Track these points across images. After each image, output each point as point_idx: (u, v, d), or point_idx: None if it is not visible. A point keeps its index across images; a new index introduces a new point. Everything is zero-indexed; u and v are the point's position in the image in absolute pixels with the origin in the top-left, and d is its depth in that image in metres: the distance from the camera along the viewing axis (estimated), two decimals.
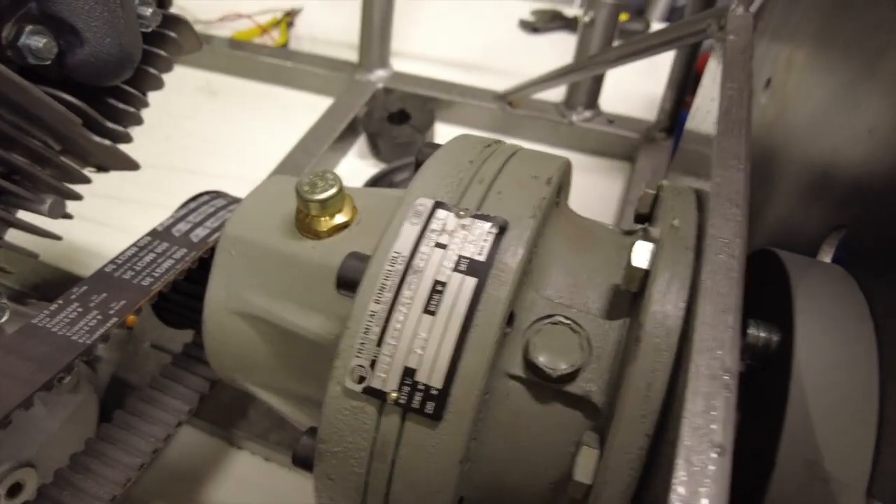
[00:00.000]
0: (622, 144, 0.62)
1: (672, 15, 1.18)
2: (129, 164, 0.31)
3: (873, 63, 0.28)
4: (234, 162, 0.63)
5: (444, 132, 0.66)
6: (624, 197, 0.59)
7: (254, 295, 0.27)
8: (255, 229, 0.28)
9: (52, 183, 0.28)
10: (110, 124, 0.29)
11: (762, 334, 0.23)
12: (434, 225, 0.21)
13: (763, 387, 0.23)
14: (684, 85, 0.58)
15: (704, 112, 0.31)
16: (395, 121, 0.63)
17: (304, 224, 0.26)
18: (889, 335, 0.21)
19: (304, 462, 0.23)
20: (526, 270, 0.21)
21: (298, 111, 0.67)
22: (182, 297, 0.30)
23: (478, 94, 0.66)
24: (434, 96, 0.66)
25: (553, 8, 0.83)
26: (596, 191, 0.61)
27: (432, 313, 0.20)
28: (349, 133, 0.64)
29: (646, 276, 0.21)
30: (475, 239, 0.21)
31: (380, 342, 0.20)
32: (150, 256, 0.29)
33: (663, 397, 0.19)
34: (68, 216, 0.30)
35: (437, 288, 0.20)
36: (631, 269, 0.21)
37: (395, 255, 0.21)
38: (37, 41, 0.24)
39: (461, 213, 0.22)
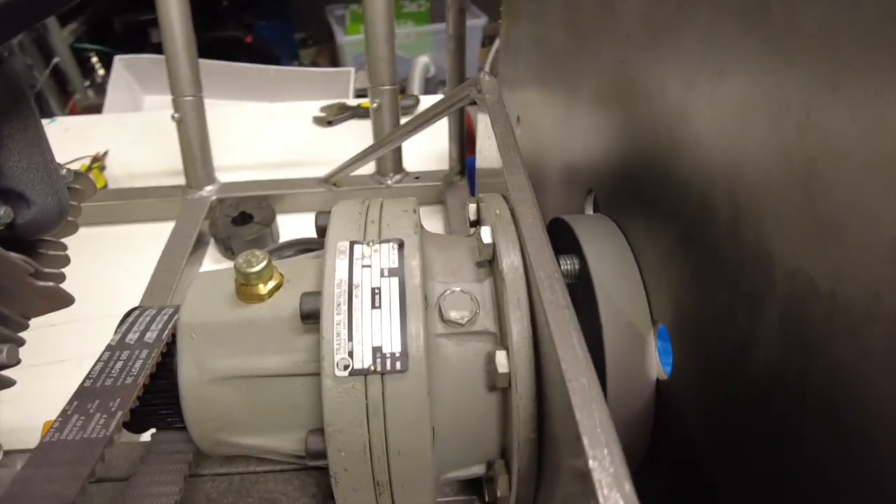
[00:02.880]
0: (431, 193, 0.77)
1: (427, 87, 1.41)
2: (66, 300, 0.36)
3: (575, 93, 0.45)
4: (103, 303, 0.65)
5: (284, 221, 0.75)
6: (447, 230, 0.74)
7: (221, 361, 0.34)
8: (206, 312, 0.35)
9: (7, 333, 0.33)
10: (48, 269, 0.34)
11: (569, 263, 0.37)
12: (356, 255, 0.32)
13: (581, 293, 0.36)
14: (462, 137, 0.74)
15: (486, 151, 0.46)
16: (239, 223, 0.70)
17: (247, 294, 0.34)
18: (635, 247, 0.36)
19: (317, 454, 0.30)
20: (422, 268, 0.32)
21: (143, 241, 0.71)
22: (150, 396, 0.36)
23: (304, 184, 0.77)
24: (267, 194, 0.75)
25: (337, 102, 0.98)
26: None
27: (378, 308, 0.30)
28: (199, 245, 0.70)
29: (492, 248, 0.33)
30: (386, 256, 0.32)
31: (350, 337, 0.29)
32: (119, 364, 0.34)
33: (529, 308, 0.31)
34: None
35: (375, 292, 0.30)
36: (483, 245, 0.33)
37: (339, 280, 0.31)
38: None
39: (370, 243, 0.32)
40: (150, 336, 0.36)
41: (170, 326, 0.37)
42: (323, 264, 0.32)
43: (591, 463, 0.19)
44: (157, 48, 1.21)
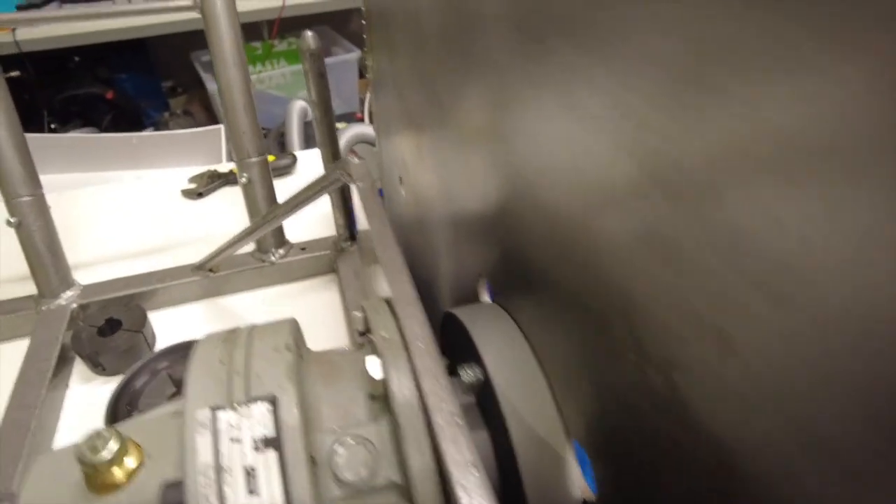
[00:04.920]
0: (321, 263, 0.72)
1: (307, 130, 1.35)
2: None
3: (444, 141, 0.42)
4: None
5: (160, 318, 0.67)
6: (343, 300, 0.69)
7: None
8: None
9: None
10: None
11: (471, 373, 0.33)
12: (221, 426, 0.27)
13: (488, 403, 0.33)
14: (346, 202, 0.70)
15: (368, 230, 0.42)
16: (107, 332, 0.62)
17: (100, 484, 0.28)
18: (533, 338, 0.34)
19: None
20: (304, 421, 0.28)
21: None
22: None
23: (176, 273, 0.69)
24: (135, 292, 0.67)
25: (206, 170, 0.90)
26: (320, 304, 0.69)
27: (255, 493, 0.25)
28: (62, 365, 0.61)
29: (382, 381, 0.29)
30: (258, 420, 0.27)
31: None
32: None
33: (431, 448, 0.27)
34: None
35: (250, 473, 0.26)
36: (373, 382, 0.29)
37: (203, 466, 0.26)
38: None
39: (236, 406, 0.28)
40: None
41: None
42: (182, 444, 0.27)
43: None
44: None
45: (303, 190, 0.49)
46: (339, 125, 1.87)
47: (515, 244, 0.33)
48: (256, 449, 0.26)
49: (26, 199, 0.63)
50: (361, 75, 2.20)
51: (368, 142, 1.33)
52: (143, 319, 0.63)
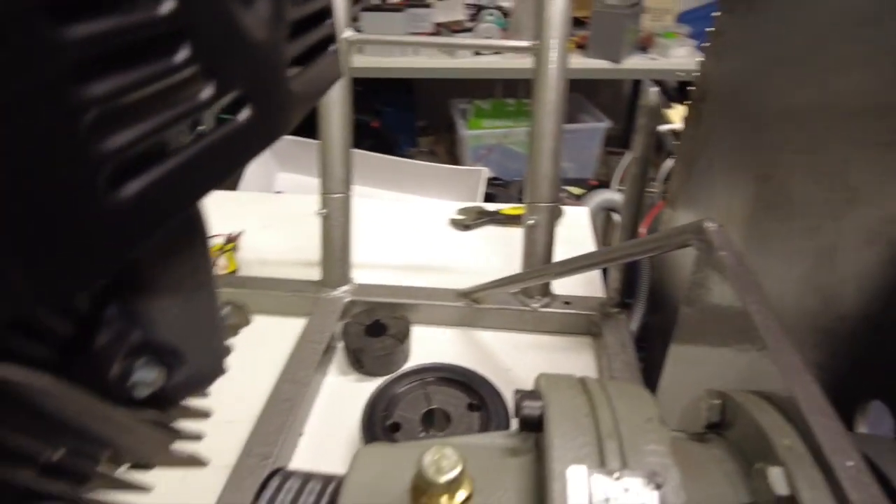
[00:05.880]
0: (582, 323, 0.68)
1: None
2: (200, 464, 0.30)
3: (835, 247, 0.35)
4: (220, 405, 0.60)
5: (418, 334, 0.68)
6: (598, 367, 0.64)
7: None
8: None
9: None
10: (188, 433, 0.28)
11: None
12: (596, 494, 0.23)
13: None
14: (629, 268, 0.66)
15: (710, 302, 0.37)
16: (372, 333, 0.64)
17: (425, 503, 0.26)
18: None
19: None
20: None
21: (268, 336, 0.67)
22: None
23: (441, 295, 0.70)
24: (403, 303, 0.69)
25: (475, 206, 0.93)
26: (572, 365, 0.65)
27: None
28: (326, 353, 0.65)
29: (787, 499, 0.23)
30: (637, 499, 0.23)
31: None
32: None
33: None
34: None
35: None
36: (769, 495, 0.23)
37: None
38: (149, 374, 0.24)
39: (615, 475, 0.24)
40: None
41: None
42: (547, 493, 0.23)
43: None
44: (294, 130, 1.25)
45: (623, 246, 0.45)
46: (574, 189, 1.86)
47: None
48: None
49: (337, 196, 0.69)
50: (605, 144, 2.18)
51: (614, 209, 1.29)
52: (407, 331, 0.65)
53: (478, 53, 1.93)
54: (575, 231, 0.88)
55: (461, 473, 0.26)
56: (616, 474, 0.23)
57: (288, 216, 0.92)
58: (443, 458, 0.26)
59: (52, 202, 0.12)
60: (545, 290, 0.69)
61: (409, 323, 0.66)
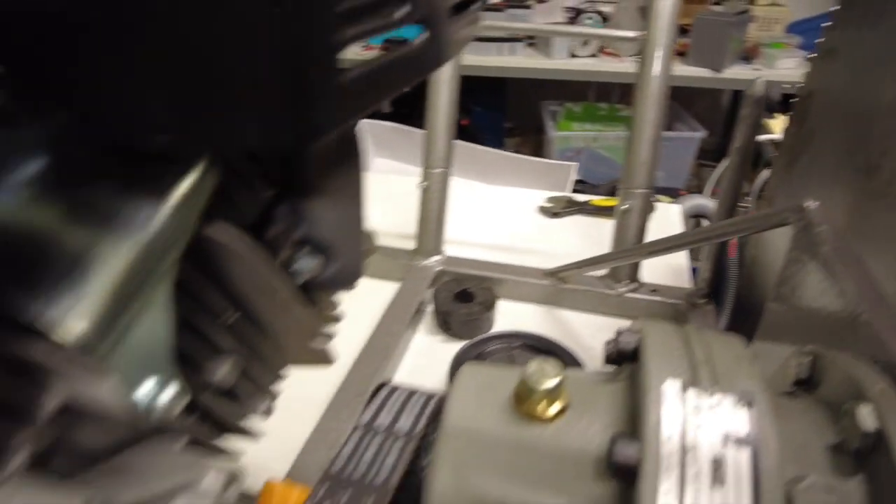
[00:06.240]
0: (667, 311, 0.69)
1: None
2: (328, 361, 0.34)
3: None
4: None
5: (502, 308, 0.71)
6: None
7: (486, 481, 0.29)
8: (475, 419, 0.30)
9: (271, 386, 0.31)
10: (324, 329, 0.32)
11: None
12: (690, 404, 0.25)
13: None
14: (720, 255, 0.66)
15: (809, 289, 0.38)
16: (461, 300, 0.68)
17: (527, 412, 0.29)
18: None
19: None
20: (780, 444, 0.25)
21: (363, 295, 0.72)
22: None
23: (527, 272, 0.73)
24: (490, 276, 0.72)
25: (564, 195, 0.95)
26: None
27: (721, 483, 0.23)
28: (416, 314, 0.69)
29: (872, 438, 0.25)
30: (730, 414, 0.25)
31: None
32: (370, 452, 0.31)
33: None
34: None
35: (717, 463, 0.23)
36: (854, 430, 0.25)
37: (668, 436, 0.24)
38: (309, 262, 0.29)
39: (707, 392, 0.26)
40: (403, 425, 0.33)
41: (424, 418, 0.34)
42: (642, 403, 0.26)
43: None
44: (386, 116, 1.35)
45: (714, 227, 0.47)
46: (664, 198, 1.83)
47: None
48: (725, 442, 0.24)
49: (438, 171, 0.73)
50: (698, 155, 2.13)
51: (706, 216, 1.27)
52: (493, 300, 0.68)
53: (573, 55, 1.94)
54: (666, 227, 0.88)
55: (560, 385, 0.29)
56: (708, 392, 0.26)
57: (385, 194, 0.97)
58: (545, 369, 0.29)
59: (313, 73, 0.16)
60: (633, 276, 0.70)
61: (495, 296, 0.69)
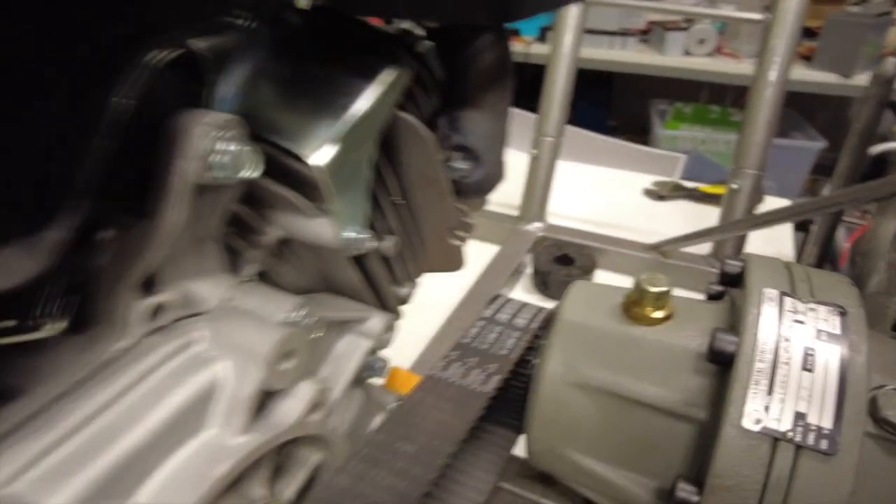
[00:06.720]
0: None
1: None
2: (459, 264, 0.40)
3: None
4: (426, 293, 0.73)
5: (601, 278, 0.74)
6: None
7: (592, 369, 0.33)
8: (588, 316, 0.35)
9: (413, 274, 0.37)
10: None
11: None
12: (787, 307, 0.28)
13: None
14: (827, 243, 0.66)
15: None
16: (561, 262, 0.72)
17: (636, 313, 0.33)
18: None
19: None
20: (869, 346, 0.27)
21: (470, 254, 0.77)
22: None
23: (627, 245, 0.76)
24: (590, 245, 0.76)
25: (671, 180, 0.96)
26: None
27: (810, 370, 0.26)
28: (515, 273, 0.73)
29: None
30: (824, 318, 0.28)
31: (770, 392, 0.26)
32: (493, 335, 0.36)
33: None
34: None
35: (808, 352, 0.27)
36: None
37: (765, 327, 0.28)
38: (462, 164, 0.34)
39: (803, 299, 0.29)
40: (520, 322, 0.38)
41: (537, 320, 0.38)
42: (743, 307, 0.29)
43: None
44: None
45: (836, 193, 0.48)
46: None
47: None
48: (819, 337, 0.27)
49: (549, 139, 0.77)
50: (814, 169, 2.02)
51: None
52: (592, 267, 0.71)
53: (688, 53, 1.90)
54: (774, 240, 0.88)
55: (668, 293, 0.33)
56: (805, 301, 0.29)
57: None
58: (656, 275, 0.33)
59: None
60: (737, 256, 0.71)
61: (595, 262, 0.72)
